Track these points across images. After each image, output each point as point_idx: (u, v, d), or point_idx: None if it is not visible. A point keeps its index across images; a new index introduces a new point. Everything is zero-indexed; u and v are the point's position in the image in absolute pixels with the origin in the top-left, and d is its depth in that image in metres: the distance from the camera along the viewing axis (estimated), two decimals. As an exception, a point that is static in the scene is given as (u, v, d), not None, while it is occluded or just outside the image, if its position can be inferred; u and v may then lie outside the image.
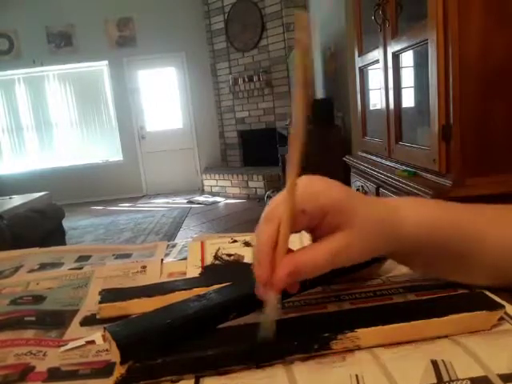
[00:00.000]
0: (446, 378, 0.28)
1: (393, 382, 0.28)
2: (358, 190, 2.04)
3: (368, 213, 0.35)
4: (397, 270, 0.47)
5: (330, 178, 0.36)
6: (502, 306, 0.35)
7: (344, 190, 0.35)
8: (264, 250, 0.32)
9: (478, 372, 0.28)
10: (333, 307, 0.40)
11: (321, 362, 0.31)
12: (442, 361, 0.30)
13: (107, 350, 0.35)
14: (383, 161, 1.82)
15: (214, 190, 6.08)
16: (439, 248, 0.38)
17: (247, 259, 0.55)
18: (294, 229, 0.33)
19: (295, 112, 0.29)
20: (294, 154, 0.30)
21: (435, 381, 0.28)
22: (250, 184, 5.56)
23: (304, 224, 0.34)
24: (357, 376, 0.29)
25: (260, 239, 0.32)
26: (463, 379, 0.28)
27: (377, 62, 1.84)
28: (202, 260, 0.56)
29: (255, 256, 0.32)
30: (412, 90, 1.68)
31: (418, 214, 0.38)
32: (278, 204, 0.33)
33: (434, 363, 0.29)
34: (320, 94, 4.60)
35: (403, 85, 1.66)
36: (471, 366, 0.29)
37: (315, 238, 0.35)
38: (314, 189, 0.34)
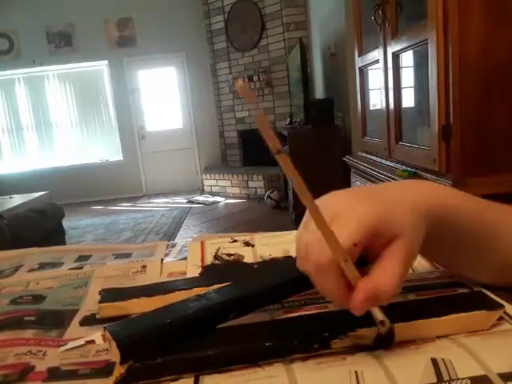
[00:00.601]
0: (446, 377, 0.28)
1: (393, 380, 0.28)
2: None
3: (407, 215, 0.33)
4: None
5: (349, 189, 0.36)
6: (502, 306, 0.35)
7: (382, 204, 0.34)
8: (338, 293, 0.32)
9: (478, 371, 0.28)
10: (333, 307, 0.40)
11: (321, 361, 0.32)
12: (442, 360, 0.30)
13: (107, 350, 0.35)
14: (383, 161, 1.82)
15: (214, 189, 6.08)
16: (450, 232, 0.37)
17: (247, 259, 0.55)
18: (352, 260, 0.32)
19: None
20: (298, 186, 0.28)
21: (435, 380, 0.28)
22: (250, 184, 5.56)
23: (358, 253, 0.32)
24: (356, 373, 0.29)
25: (327, 287, 0.32)
26: (463, 378, 0.28)
27: (377, 61, 1.84)
28: (202, 260, 0.56)
29: (334, 299, 0.33)
30: (412, 90, 1.68)
31: (441, 197, 0.38)
32: (315, 246, 0.32)
33: (434, 362, 0.29)
34: (320, 94, 4.60)
35: (403, 85, 1.66)
36: (471, 365, 0.29)
37: (370, 255, 0.34)
38: (347, 213, 0.32)
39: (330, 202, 0.34)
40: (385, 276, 0.31)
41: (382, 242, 0.32)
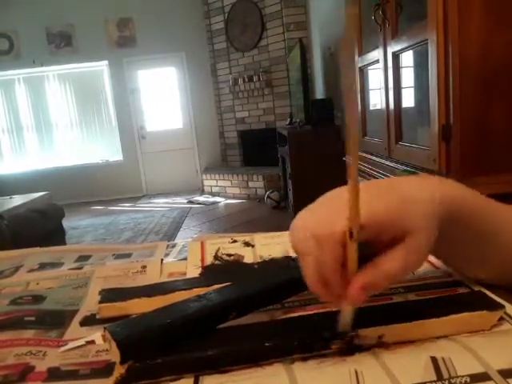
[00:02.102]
0: (445, 375, 0.28)
1: (393, 378, 0.28)
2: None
3: (420, 213, 0.34)
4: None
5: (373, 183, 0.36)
6: (502, 306, 0.35)
7: (396, 198, 0.34)
8: (333, 274, 0.31)
9: (477, 368, 0.28)
10: (333, 307, 0.40)
11: (321, 360, 0.32)
12: (442, 358, 0.30)
13: (107, 350, 0.35)
14: (383, 161, 1.82)
15: (214, 190, 6.08)
16: (459, 227, 0.37)
17: (247, 259, 0.55)
18: None
19: (349, 122, 0.29)
20: (353, 163, 0.29)
21: (435, 378, 0.28)
22: (250, 184, 5.56)
23: (362, 239, 0.33)
24: (356, 372, 0.29)
25: (326, 262, 0.31)
26: (463, 376, 0.28)
27: (377, 61, 1.84)
28: (202, 260, 0.56)
29: (318, 282, 0.32)
30: (412, 89, 1.68)
31: (449, 192, 0.37)
32: (323, 220, 0.32)
33: (434, 360, 0.29)
34: (320, 94, 4.60)
35: (403, 85, 1.66)
36: (471, 363, 0.29)
37: (375, 248, 0.34)
38: (366, 202, 0.32)
39: (339, 190, 0.35)
40: (388, 267, 0.31)
41: (388, 238, 0.32)
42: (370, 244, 0.33)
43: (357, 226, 0.30)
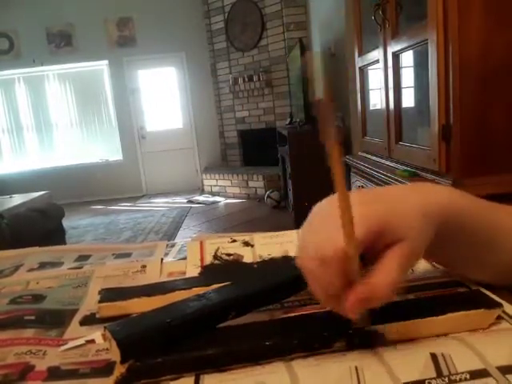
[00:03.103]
0: (445, 371, 0.28)
1: (393, 375, 0.28)
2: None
3: (410, 220, 0.33)
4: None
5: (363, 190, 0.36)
6: (500, 305, 0.35)
7: (384, 205, 0.34)
8: (339, 290, 0.31)
9: (477, 365, 0.28)
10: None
11: (321, 358, 0.32)
12: (442, 354, 0.30)
13: (107, 350, 0.36)
14: (383, 161, 1.82)
15: (214, 189, 6.08)
16: (457, 233, 0.37)
17: (247, 259, 0.55)
18: None
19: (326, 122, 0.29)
20: (337, 168, 0.29)
21: (435, 375, 0.28)
22: (250, 184, 5.56)
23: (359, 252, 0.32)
24: (356, 368, 0.29)
25: (330, 281, 0.31)
26: (463, 372, 0.28)
27: (377, 61, 1.84)
28: (202, 260, 0.56)
29: (326, 296, 0.32)
30: (412, 89, 1.68)
31: (448, 199, 0.37)
32: (324, 240, 0.32)
33: (434, 357, 0.30)
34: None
35: (403, 85, 1.66)
36: (470, 360, 0.29)
37: (370, 256, 0.34)
38: (358, 213, 0.31)
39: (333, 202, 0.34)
40: (380, 280, 0.31)
41: (384, 243, 0.32)
42: (367, 253, 0.33)
43: (353, 243, 0.30)
